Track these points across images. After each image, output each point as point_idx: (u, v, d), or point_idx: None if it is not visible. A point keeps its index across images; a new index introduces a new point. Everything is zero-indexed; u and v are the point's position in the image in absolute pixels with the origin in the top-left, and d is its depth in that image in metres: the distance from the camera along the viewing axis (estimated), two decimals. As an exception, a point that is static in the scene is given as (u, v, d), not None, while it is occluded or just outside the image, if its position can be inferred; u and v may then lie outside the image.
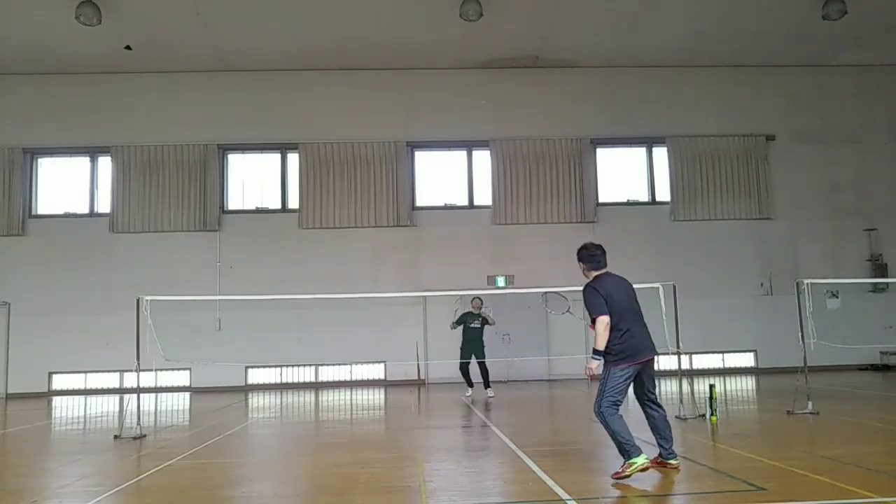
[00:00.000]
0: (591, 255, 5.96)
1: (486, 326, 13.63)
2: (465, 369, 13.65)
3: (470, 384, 13.68)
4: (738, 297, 17.70)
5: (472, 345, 13.57)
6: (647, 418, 5.98)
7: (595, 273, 5.94)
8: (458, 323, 13.66)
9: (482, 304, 13.92)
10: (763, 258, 18.05)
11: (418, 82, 18.02)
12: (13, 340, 16.96)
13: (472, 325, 13.58)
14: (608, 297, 5.71)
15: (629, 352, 5.67)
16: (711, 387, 9.14)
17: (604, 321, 5.63)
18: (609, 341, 5.63)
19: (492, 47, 17.09)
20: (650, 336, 5.89)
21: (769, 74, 18.47)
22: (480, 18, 14.93)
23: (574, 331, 17.48)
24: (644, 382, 5.90)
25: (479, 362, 13.67)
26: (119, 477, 6.52)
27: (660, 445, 5.92)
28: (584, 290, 5.87)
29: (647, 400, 5.97)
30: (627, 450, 5.54)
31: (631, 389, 5.87)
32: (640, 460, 5.49)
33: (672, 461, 5.87)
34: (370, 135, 17.82)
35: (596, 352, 5.63)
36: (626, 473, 5.46)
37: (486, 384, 13.63)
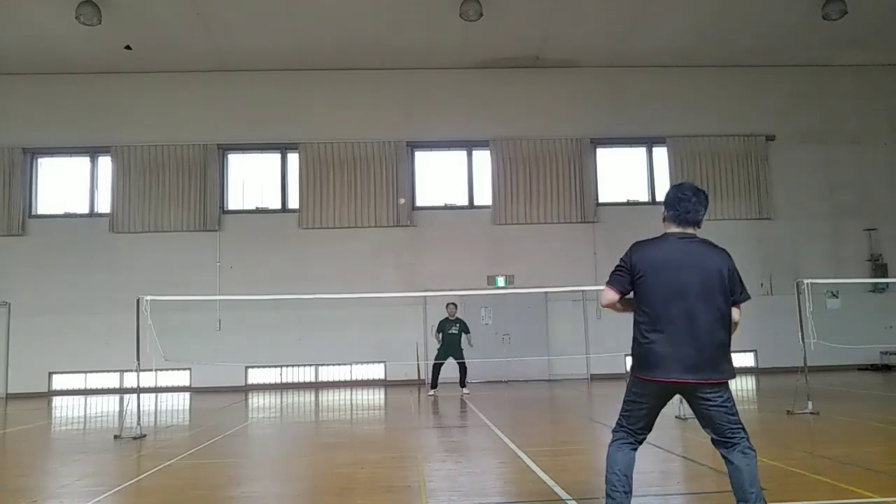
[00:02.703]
0: (679, 198, 3.98)
1: (465, 335, 14.08)
2: (437, 369, 14.11)
3: (435, 385, 14.16)
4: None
5: (450, 348, 14.04)
6: (727, 466, 3.78)
7: (672, 229, 4.04)
8: (438, 331, 14.18)
9: (457, 309, 14.23)
10: (763, 258, 18.05)
11: (418, 82, 18.02)
12: (13, 340, 16.96)
13: (450, 332, 14.04)
14: (643, 271, 3.83)
15: (648, 362, 3.75)
16: (711, 387, 9.11)
17: (606, 298, 3.99)
18: (635, 336, 3.86)
19: (492, 47, 17.09)
20: (707, 351, 3.69)
21: (769, 74, 18.47)
22: (480, 18, 14.93)
23: (574, 331, 17.53)
24: (704, 421, 3.79)
25: (458, 363, 14.10)
26: (119, 477, 6.52)
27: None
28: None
29: (720, 443, 3.78)
30: (607, 500, 3.90)
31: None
32: None
33: None
34: (370, 135, 17.82)
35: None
36: None
37: (462, 383, 14.11)
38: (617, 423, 3.96)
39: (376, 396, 14.92)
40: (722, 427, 3.74)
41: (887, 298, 17.82)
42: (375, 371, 17.44)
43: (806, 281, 9.98)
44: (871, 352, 16.81)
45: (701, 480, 5.67)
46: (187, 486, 6.01)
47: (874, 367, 17.31)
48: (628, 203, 18.38)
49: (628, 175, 18.59)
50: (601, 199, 18.27)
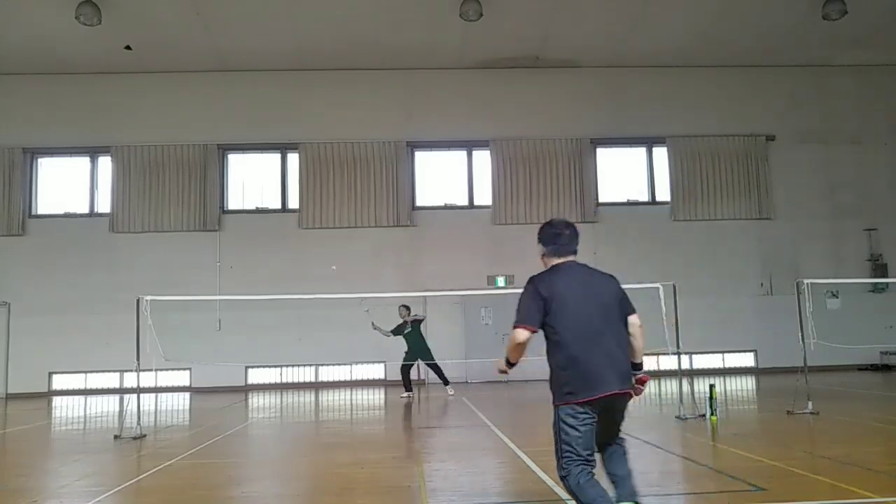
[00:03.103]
0: (554, 234, 4.13)
1: (422, 324, 13.87)
2: (405, 371, 13.89)
3: (408, 387, 13.89)
4: (738, 297, 17.70)
5: (416, 351, 13.82)
6: (604, 460, 4.19)
7: (556, 261, 4.12)
8: (395, 333, 13.89)
9: (409, 311, 13.93)
10: (763, 258, 18.05)
11: (418, 82, 18.02)
12: (13, 340, 16.96)
13: (406, 332, 13.85)
14: (555, 303, 3.93)
15: (582, 385, 3.82)
16: (711, 387, 9.14)
17: (519, 337, 3.93)
18: (554, 368, 3.95)
19: (492, 47, 17.09)
20: (626, 364, 3.95)
21: (769, 74, 18.47)
22: (480, 18, 14.93)
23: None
24: (604, 431, 4.04)
25: (429, 365, 13.93)
26: (119, 477, 6.52)
27: (614, 491, 4.10)
28: (525, 287, 4.08)
29: (606, 446, 4.15)
30: None
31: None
32: None
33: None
34: (370, 135, 17.82)
35: (508, 361, 4.15)
36: None
37: (444, 382, 13.92)
38: (567, 461, 3.86)
39: (376, 396, 14.92)
40: (616, 432, 4.08)
41: (887, 298, 17.82)
42: (375, 371, 17.44)
43: (806, 281, 9.98)
44: (871, 352, 16.80)
45: (701, 480, 5.68)
46: (187, 486, 6.01)
47: (874, 367, 17.31)
48: (628, 203, 18.38)
49: (628, 175, 18.59)
50: (601, 199, 18.26)
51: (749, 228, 18.18)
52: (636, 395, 4.02)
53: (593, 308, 3.94)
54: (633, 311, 4.10)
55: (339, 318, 16.45)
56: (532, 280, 4.06)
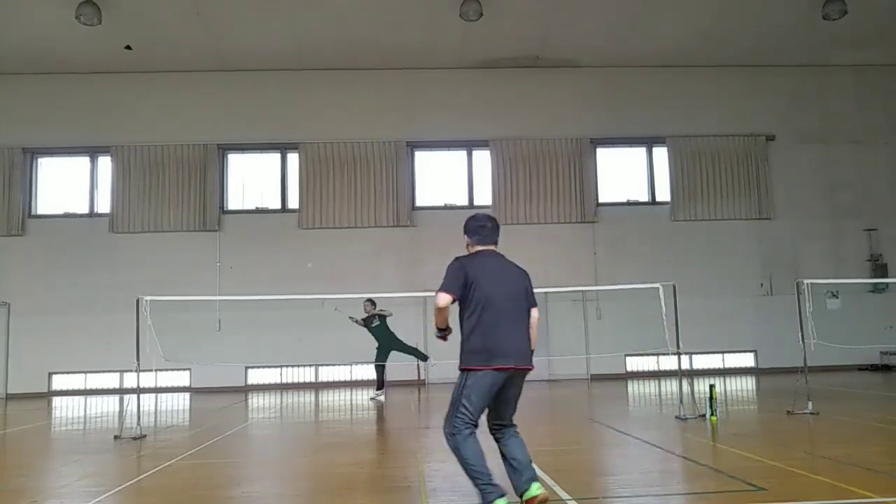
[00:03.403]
0: (479, 227, 4.77)
1: (388, 319, 13.59)
2: (379, 370, 13.62)
3: (380, 385, 13.67)
4: (738, 297, 17.70)
5: (386, 346, 13.52)
6: (500, 446, 4.58)
7: (478, 248, 4.76)
8: (364, 323, 13.65)
9: (374, 306, 13.61)
10: (763, 258, 18.05)
11: (418, 82, 18.02)
12: (13, 340, 16.96)
13: (373, 326, 13.58)
14: (477, 278, 4.49)
15: (489, 352, 4.38)
16: (711, 387, 9.14)
17: (441, 301, 4.45)
18: (470, 336, 4.46)
19: (492, 47, 17.09)
20: (528, 344, 4.53)
21: (769, 74, 18.47)
22: (480, 18, 14.93)
23: (574, 331, 17.54)
24: (502, 406, 4.52)
25: (409, 350, 13.66)
26: (119, 477, 6.52)
27: (514, 478, 4.42)
28: (451, 262, 4.64)
29: (501, 426, 4.57)
30: (483, 493, 4.27)
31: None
32: None
33: (536, 491, 4.32)
34: (370, 135, 17.82)
35: (439, 330, 4.66)
36: None
37: (379, 385, 13.60)
38: (462, 421, 4.34)
39: (376, 396, 14.90)
40: (511, 411, 4.57)
41: (887, 298, 17.82)
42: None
43: (806, 281, 9.98)
44: (871, 352, 16.80)
45: (701, 480, 5.67)
46: (187, 486, 6.01)
47: (874, 367, 17.31)
48: (628, 203, 18.38)
49: (628, 175, 18.59)
50: (601, 199, 18.26)
51: (749, 228, 18.18)
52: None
53: (506, 292, 4.56)
54: (535, 305, 4.70)
55: (339, 318, 16.44)
56: (458, 258, 4.65)
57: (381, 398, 13.50)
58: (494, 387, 4.40)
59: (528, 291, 4.69)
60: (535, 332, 4.64)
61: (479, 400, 4.38)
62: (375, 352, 13.68)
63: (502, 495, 4.25)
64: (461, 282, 4.50)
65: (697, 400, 9.92)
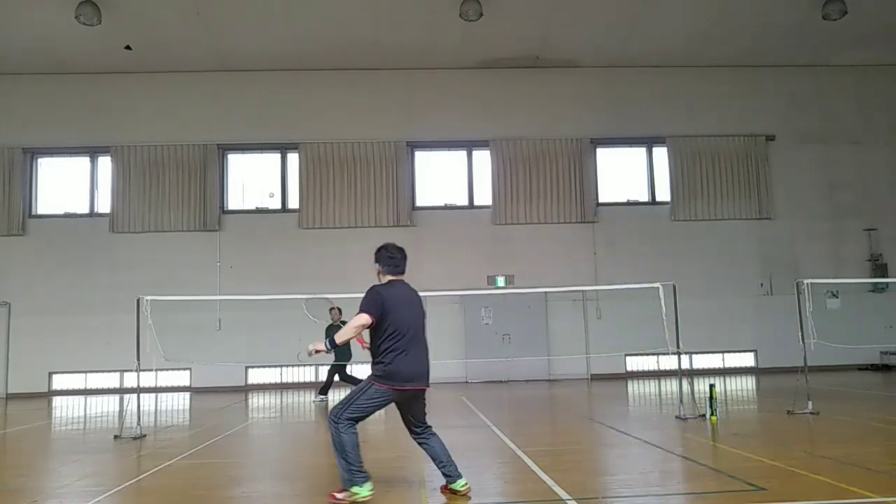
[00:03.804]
0: (389, 258, 5.33)
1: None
2: (343, 372, 13.27)
3: (325, 391, 13.43)
4: (738, 297, 17.70)
5: (344, 351, 12.83)
6: (424, 448, 5.37)
7: (389, 278, 5.34)
8: (327, 331, 12.96)
9: (340, 313, 13.07)
10: (763, 258, 18.06)
11: (418, 82, 18.02)
12: (13, 340, 16.96)
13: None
14: (392, 307, 5.11)
15: (400, 376, 5.06)
16: (711, 387, 9.14)
17: (363, 320, 5.01)
18: (382, 356, 5.07)
19: (492, 47, 17.09)
20: (429, 366, 5.26)
21: (769, 74, 18.47)
22: (480, 18, 14.94)
23: (574, 331, 17.53)
24: (414, 416, 5.30)
25: (333, 367, 13.27)
26: (119, 477, 6.52)
27: (443, 473, 5.26)
28: (370, 289, 5.23)
29: (419, 431, 5.35)
30: (353, 477, 5.00)
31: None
32: (365, 492, 4.99)
33: (460, 486, 5.19)
34: (370, 135, 17.82)
35: (332, 343, 5.08)
36: (346, 502, 5.01)
37: (324, 389, 13.37)
38: (347, 418, 5.04)
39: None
40: (422, 417, 5.31)
41: (887, 298, 17.83)
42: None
43: (806, 281, 9.98)
44: (871, 352, 16.82)
45: (701, 480, 5.67)
46: (187, 486, 6.01)
47: (874, 367, 17.31)
48: (628, 203, 18.38)
49: (628, 175, 18.59)
50: (601, 199, 18.26)
51: (749, 228, 18.18)
52: None
53: (414, 320, 5.25)
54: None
55: (339, 318, 16.46)
56: (374, 287, 5.25)
57: (320, 399, 13.30)
58: (390, 402, 5.15)
59: (424, 315, 5.39)
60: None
61: (371, 409, 5.14)
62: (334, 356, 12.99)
63: (369, 479, 5.02)
64: (380, 308, 5.07)
65: (697, 400, 9.92)
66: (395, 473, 6.32)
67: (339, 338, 5.10)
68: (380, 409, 5.18)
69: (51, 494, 5.91)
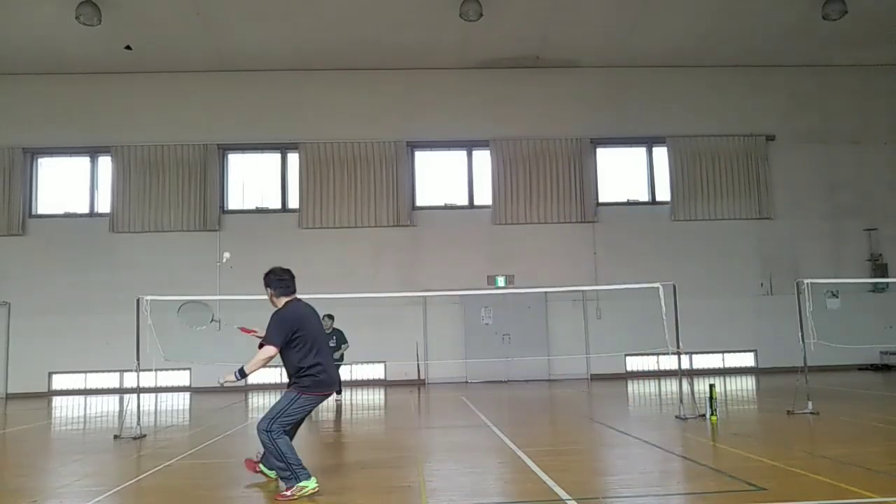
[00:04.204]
0: (279, 280, 5.75)
1: (344, 346, 13.09)
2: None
3: (338, 391, 13.27)
4: (738, 297, 17.70)
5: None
6: (277, 441, 5.64)
7: (285, 299, 5.75)
8: None
9: (332, 322, 13.11)
10: (763, 258, 18.06)
11: (418, 82, 18.03)
12: (13, 340, 16.96)
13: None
14: (301, 327, 5.58)
15: (325, 384, 5.66)
16: (711, 387, 9.14)
17: (270, 352, 5.54)
18: (309, 369, 5.55)
19: (492, 47, 17.09)
20: (337, 370, 5.84)
21: (769, 74, 18.47)
22: (480, 18, 14.94)
23: (574, 331, 17.54)
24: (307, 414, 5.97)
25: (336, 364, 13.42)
26: (119, 477, 6.52)
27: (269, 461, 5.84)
28: (273, 316, 5.64)
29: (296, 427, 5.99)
30: (297, 473, 5.40)
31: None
32: (312, 484, 5.38)
33: (274, 475, 5.82)
34: (370, 135, 17.82)
35: (242, 372, 5.59)
36: (295, 497, 5.30)
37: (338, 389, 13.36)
38: (279, 425, 5.47)
39: (376, 396, 14.92)
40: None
41: (887, 298, 17.83)
42: (375, 371, 17.44)
43: (806, 281, 9.98)
44: (871, 352, 16.82)
45: (701, 480, 5.67)
46: (187, 486, 6.01)
47: (874, 367, 17.32)
48: (628, 203, 18.38)
49: (628, 175, 18.59)
50: (601, 199, 18.26)
51: (749, 228, 18.18)
52: None
53: (319, 330, 5.83)
54: None
55: (338, 318, 16.41)
56: (278, 313, 5.67)
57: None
58: (314, 406, 5.80)
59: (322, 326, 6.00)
60: None
61: (300, 416, 5.68)
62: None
63: (310, 475, 5.40)
64: (287, 332, 5.52)
65: (697, 400, 9.92)
66: (395, 473, 6.32)
67: (249, 368, 5.56)
68: (307, 412, 5.78)
69: (51, 494, 5.91)
